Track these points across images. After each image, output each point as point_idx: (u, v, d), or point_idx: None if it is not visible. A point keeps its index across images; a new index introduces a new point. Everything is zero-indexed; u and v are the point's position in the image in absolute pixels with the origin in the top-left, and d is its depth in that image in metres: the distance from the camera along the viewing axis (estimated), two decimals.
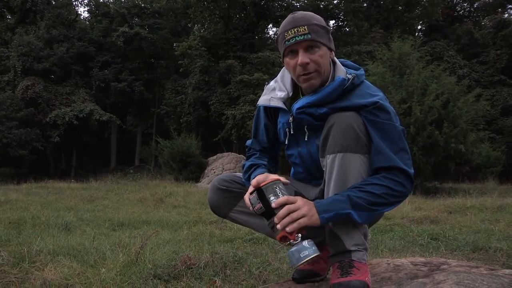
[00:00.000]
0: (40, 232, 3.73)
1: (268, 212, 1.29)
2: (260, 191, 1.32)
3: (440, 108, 9.50)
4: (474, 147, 10.14)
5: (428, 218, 4.65)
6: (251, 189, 1.36)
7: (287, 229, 1.22)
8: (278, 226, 1.23)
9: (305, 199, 1.29)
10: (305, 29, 1.33)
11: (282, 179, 1.37)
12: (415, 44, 11.35)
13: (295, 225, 1.22)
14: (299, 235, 1.23)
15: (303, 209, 1.24)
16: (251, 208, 1.34)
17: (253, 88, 19.96)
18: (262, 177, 1.36)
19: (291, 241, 1.22)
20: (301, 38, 1.33)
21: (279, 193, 1.29)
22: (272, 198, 1.28)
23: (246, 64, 22.60)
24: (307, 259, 1.18)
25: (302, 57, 1.34)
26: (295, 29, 1.33)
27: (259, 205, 1.31)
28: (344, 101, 1.36)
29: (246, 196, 1.37)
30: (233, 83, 21.01)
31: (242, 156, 14.29)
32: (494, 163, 14.37)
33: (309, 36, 1.33)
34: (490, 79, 21.64)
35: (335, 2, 27.55)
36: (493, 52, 22.26)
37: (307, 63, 1.34)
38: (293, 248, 1.21)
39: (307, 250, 1.19)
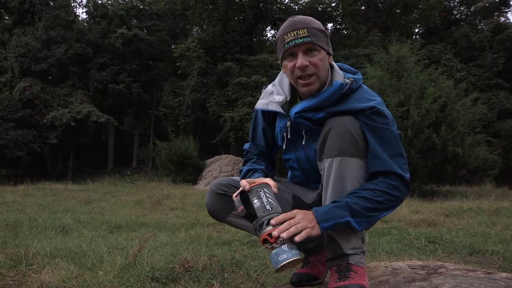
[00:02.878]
0: (37, 234, 3.71)
1: (250, 214, 1.29)
2: (244, 194, 1.32)
3: (438, 111, 9.55)
4: (471, 150, 10.19)
5: (425, 221, 4.67)
6: (238, 191, 1.36)
7: (296, 239, 1.19)
8: (284, 235, 1.18)
9: (303, 211, 1.26)
10: (304, 32, 1.33)
11: (271, 182, 1.34)
12: (413, 47, 11.39)
13: (303, 234, 1.19)
14: (281, 238, 1.21)
15: (304, 221, 1.22)
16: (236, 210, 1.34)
17: (251, 90, 19.98)
18: (250, 180, 1.35)
19: (272, 244, 1.21)
20: (301, 40, 1.33)
21: (263, 196, 1.27)
22: (255, 201, 1.27)
23: (244, 66, 22.60)
24: (284, 262, 1.16)
25: (301, 60, 1.33)
26: (295, 32, 1.33)
27: (241, 208, 1.31)
28: (341, 105, 1.36)
29: (233, 197, 1.36)
30: (231, 85, 21.01)
31: (240, 158, 14.27)
32: (491, 166, 14.42)
33: (309, 39, 1.33)
34: (487, 83, 21.76)
35: (333, 4, 27.64)
36: (490, 55, 22.38)
37: (306, 66, 1.34)
38: (273, 251, 1.20)
39: (286, 253, 1.17)
